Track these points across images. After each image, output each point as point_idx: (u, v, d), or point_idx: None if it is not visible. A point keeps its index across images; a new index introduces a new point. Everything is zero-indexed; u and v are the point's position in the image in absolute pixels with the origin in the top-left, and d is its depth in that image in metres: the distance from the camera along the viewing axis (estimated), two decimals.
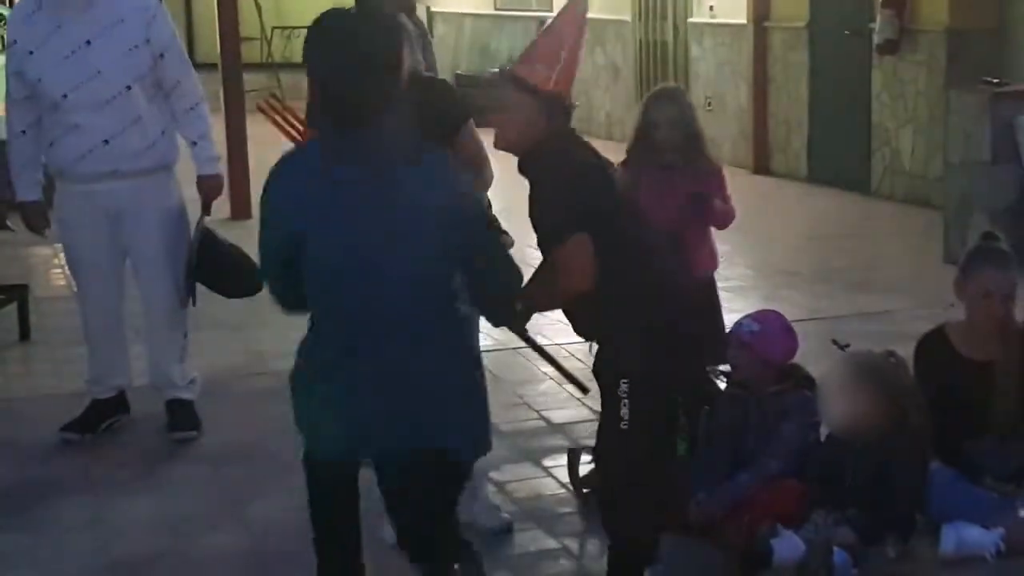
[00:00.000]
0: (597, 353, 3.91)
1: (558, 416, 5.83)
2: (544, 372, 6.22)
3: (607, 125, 14.25)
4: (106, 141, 5.19)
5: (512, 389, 6.13)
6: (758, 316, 4.67)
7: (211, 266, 5.40)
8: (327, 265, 3.21)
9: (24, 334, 7.15)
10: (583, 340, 3.96)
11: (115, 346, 5.57)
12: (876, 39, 10.32)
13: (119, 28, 5.17)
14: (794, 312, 7.35)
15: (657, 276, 3.84)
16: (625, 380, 3.79)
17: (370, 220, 3.17)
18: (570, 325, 3.95)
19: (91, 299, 5.50)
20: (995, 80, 8.34)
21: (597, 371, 3.93)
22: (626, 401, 3.79)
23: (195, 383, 5.67)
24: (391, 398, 3.27)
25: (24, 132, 5.35)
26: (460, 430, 3.37)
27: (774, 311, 4.83)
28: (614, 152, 12.19)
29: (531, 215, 3.74)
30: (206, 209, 5.51)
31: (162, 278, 5.42)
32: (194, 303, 5.52)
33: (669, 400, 3.96)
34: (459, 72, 16.06)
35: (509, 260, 3.48)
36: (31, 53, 5.21)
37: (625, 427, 3.81)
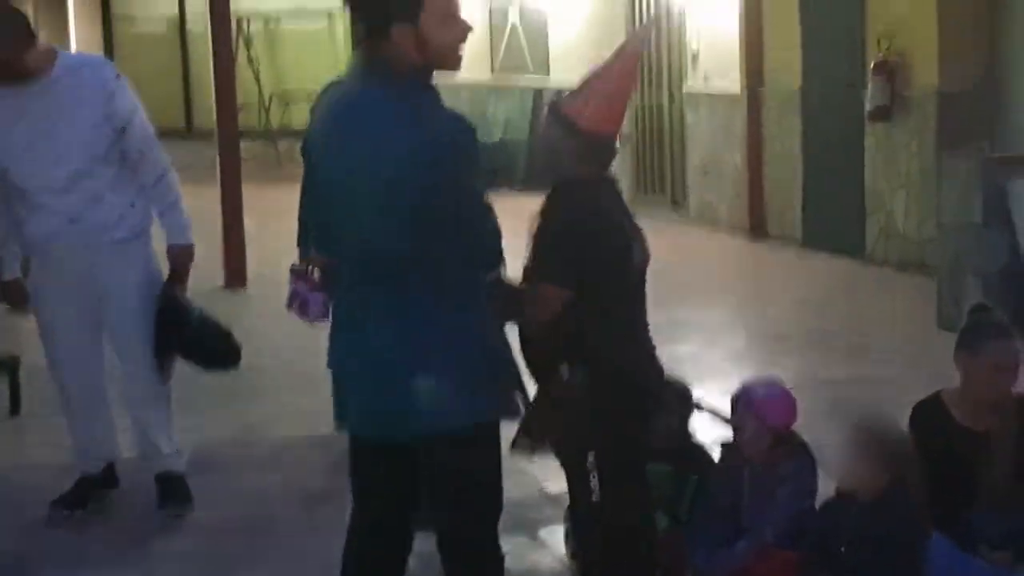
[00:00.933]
0: (550, 423, 3.88)
1: (554, 487, 5.79)
2: None
3: None
4: (72, 220, 5.20)
5: (506, 459, 6.08)
6: (767, 382, 4.67)
7: (178, 336, 5.36)
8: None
9: (15, 406, 7.12)
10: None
11: (96, 418, 5.52)
12: (868, 105, 10.37)
13: (79, 110, 5.16)
14: (788, 378, 7.31)
15: (638, 351, 3.85)
16: (592, 452, 3.77)
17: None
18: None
19: (66, 370, 5.45)
20: (986, 144, 8.38)
21: (556, 443, 3.91)
22: (594, 474, 3.77)
23: (183, 454, 5.62)
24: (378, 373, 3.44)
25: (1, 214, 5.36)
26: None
27: (777, 377, 4.83)
28: None
29: (538, 242, 3.79)
30: (178, 279, 5.47)
31: (140, 348, 5.36)
32: (165, 377, 5.46)
33: (641, 472, 3.95)
34: None
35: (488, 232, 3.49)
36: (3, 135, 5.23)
37: (597, 500, 3.79)
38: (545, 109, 3.94)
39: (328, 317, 5.52)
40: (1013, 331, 4.52)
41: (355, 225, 3.40)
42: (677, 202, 13.31)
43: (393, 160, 3.27)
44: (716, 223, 12.49)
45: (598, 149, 3.82)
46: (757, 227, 12.08)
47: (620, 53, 3.93)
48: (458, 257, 3.38)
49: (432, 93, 3.37)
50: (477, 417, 3.46)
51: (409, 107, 3.31)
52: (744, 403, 4.53)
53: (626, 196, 12.18)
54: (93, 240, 5.24)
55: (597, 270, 3.77)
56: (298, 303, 5.62)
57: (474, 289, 3.46)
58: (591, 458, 3.77)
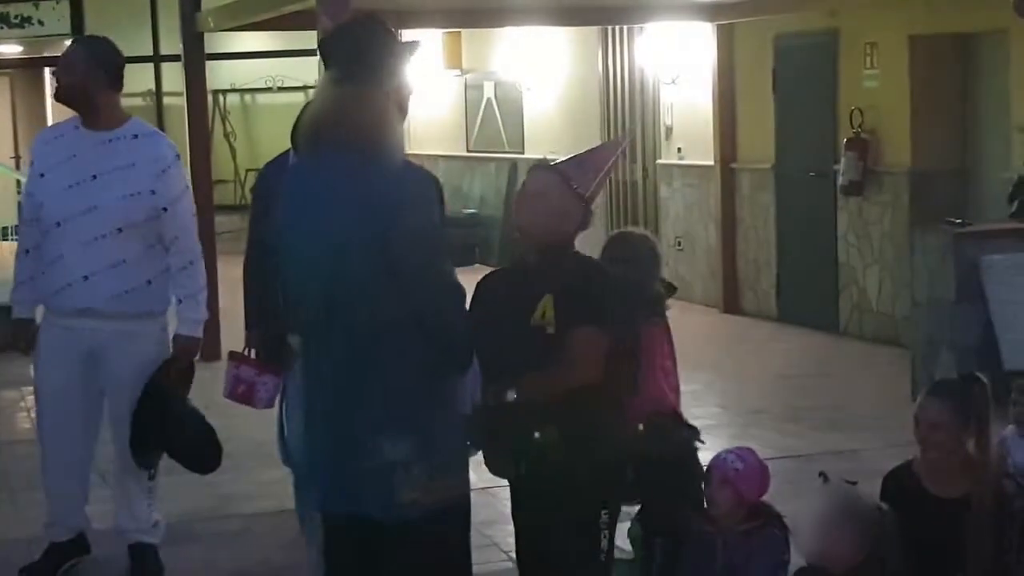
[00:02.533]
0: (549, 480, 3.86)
1: None
2: None
3: None
4: (85, 277, 5.20)
5: (480, 530, 6.06)
6: (740, 453, 4.66)
7: (159, 425, 5.29)
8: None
9: None
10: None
11: (75, 488, 5.49)
12: (841, 180, 10.47)
13: (128, 171, 5.22)
14: (763, 451, 7.31)
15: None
16: (606, 510, 3.79)
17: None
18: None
19: (52, 439, 5.43)
20: (958, 220, 8.45)
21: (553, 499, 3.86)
22: (607, 532, 3.79)
23: (159, 527, 5.59)
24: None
25: (28, 252, 5.41)
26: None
27: (751, 450, 4.82)
28: None
29: (564, 309, 3.82)
30: (176, 368, 5.38)
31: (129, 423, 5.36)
32: (148, 470, 5.42)
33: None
34: None
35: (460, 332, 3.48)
36: (42, 176, 5.30)
37: (604, 559, 3.80)
38: (542, 170, 4.07)
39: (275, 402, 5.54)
40: (959, 393, 4.55)
41: (322, 295, 3.41)
42: None
43: (351, 220, 3.33)
44: (690, 298, 12.51)
45: (588, 220, 4.03)
46: (731, 302, 12.12)
47: (606, 146, 4.21)
48: (429, 328, 3.38)
49: (396, 153, 3.47)
50: (447, 494, 3.44)
51: (371, 168, 3.39)
52: (718, 475, 4.52)
53: None
54: (96, 305, 5.21)
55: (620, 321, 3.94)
56: (243, 389, 5.54)
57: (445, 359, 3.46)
58: (604, 516, 3.87)
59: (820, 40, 10.87)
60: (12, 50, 18.66)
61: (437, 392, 3.46)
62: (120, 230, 5.19)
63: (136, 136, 5.30)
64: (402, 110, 3.58)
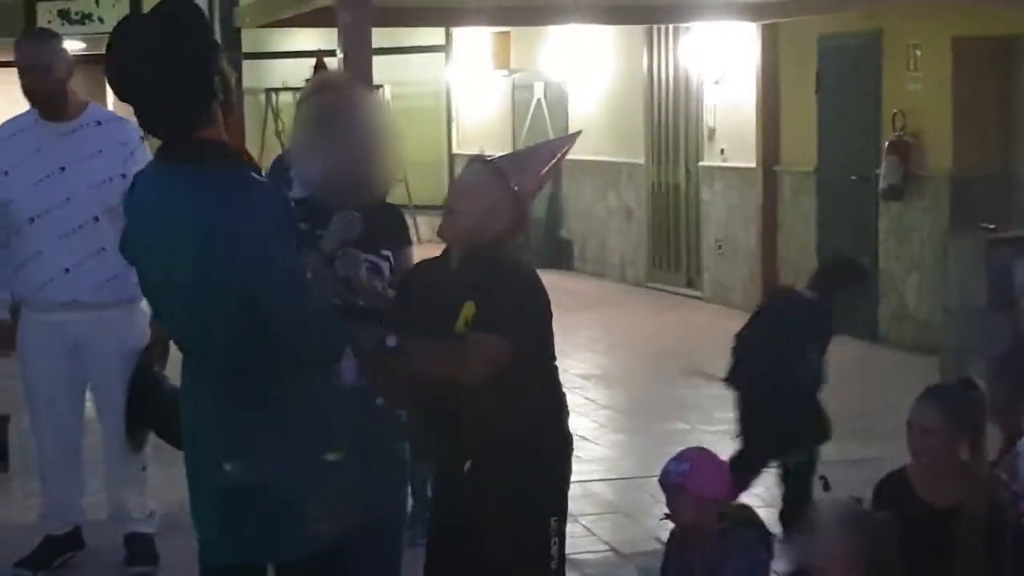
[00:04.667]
0: (488, 486, 3.69)
1: None
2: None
3: (621, 266, 14.23)
4: (67, 270, 5.17)
5: None
6: (683, 456, 4.48)
7: (149, 409, 5.26)
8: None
9: (3, 464, 7.09)
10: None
11: (70, 481, 5.48)
12: (881, 184, 10.29)
13: (96, 159, 5.18)
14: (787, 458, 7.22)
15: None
16: (556, 517, 3.67)
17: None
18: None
19: (46, 431, 5.42)
20: (991, 226, 8.26)
21: (490, 506, 3.69)
22: (556, 540, 3.66)
23: (154, 516, 5.57)
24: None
25: None
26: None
27: (700, 448, 4.65)
28: (625, 294, 11.93)
29: (484, 319, 3.62)
30: (156, 351, 5.36)
31: (121, 412, 5.32)
32: (134, 448, 5.38)
33: None
34: None
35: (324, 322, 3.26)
36: (6, 174, 5.23)
37: (555, 567, 3.69)
38: (476, 164, 3.84)
39: None
40: (948, 398, 4.43)
41: (176, 325, 3.25)
42: (692, 280, 13.21)
43: (192, 242, 3.07)
44: (730, 302, 12.38)
45: (527, 220, 3.81)
46: None
47: (552, 143, 4.05)
48: (284, 351, 3.14)
49: (242, 169, 3.18)
50: (310, 545, 3.22)
51: (213, 186, 3.10)
52: (668, 488, 4.35)
53: (641, 273, 12.20)
54: (80, 297, 5.20)
55: (538, 332, 3.70)
56: None
57: (311, 392, 3.22)
58: (554, 524, 3.69)
59: (863, 42, 10.70)
60: (74, 46, 18.81)
61: (300, 434, 3.20)
62: (97, 218, 5.16)
63: (99, 123, 5.25)
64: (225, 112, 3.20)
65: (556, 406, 3.80)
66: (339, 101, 3.89)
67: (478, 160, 3.82)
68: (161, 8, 3.11)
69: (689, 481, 4.32)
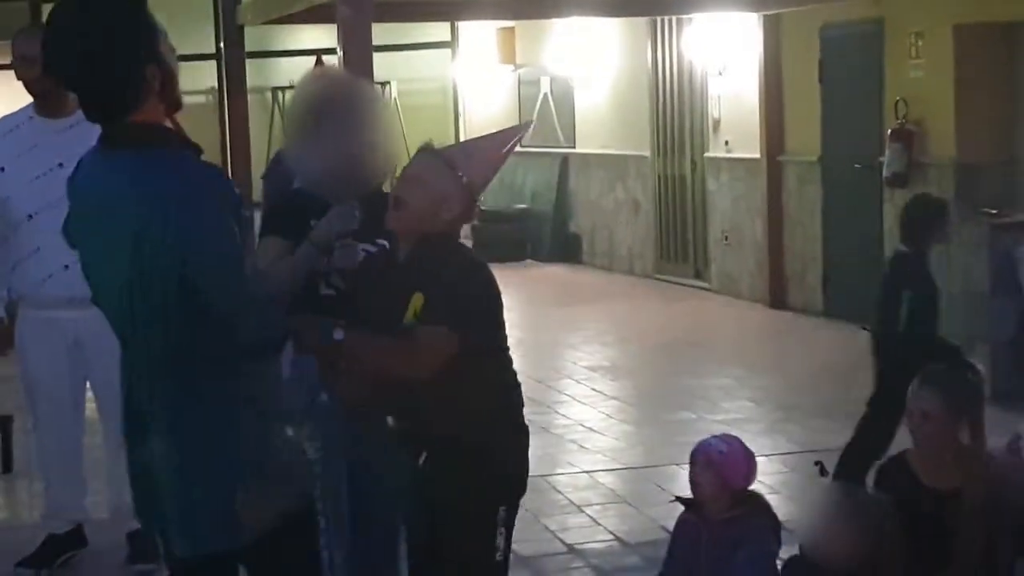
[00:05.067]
0: (442, 470, 3.64)
1: (571, 537, 5.72)
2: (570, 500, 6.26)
3: (629, 259, 14.23)
4: (66, 266, 5.17)
5: (539, 519, 6.06)
6: (725, 438, 4.56)
7: None
8: None
9: (7, 464, 7.11)
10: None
11: (72, 479, 5.49)
12: (885, 172, 10.27)
13: None
14: (787, 446, 7.26)
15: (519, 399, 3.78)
16: (504, 507, 3.65)
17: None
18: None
19: (48, 429, 5.43)
20: (993, 211, 8.25)
21: (439, 495, 3.63)
22: (503, 530, 3.64)
23: None
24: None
25: None
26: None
27: (740, 440, 4.71)
28: (633, 286, 11.92)
29: (431, 310, 3.56)
30: None
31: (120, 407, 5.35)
32: None
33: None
34: (483, 208, 16.09)
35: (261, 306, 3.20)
36: (2, 170, 5.24)
37: (501, 559, 3.68)
38: (424, 154, 3.76)
39: None
40: (946, 382, 4.43)
41: (113, 310, 3.21)
42: (700, 271, 13.21)
43: (126, 224, 3.05)
44: (737, 292, 12.38)
45: (473, 210, 3.75)
46: (778, 297, 11.94)
47: (505, 133, 3.96)
48: (218, 337, 3.08)
49: (178, 152, 3.13)
50: (198, 545, 3.17)
51: (147, 168, 3.08)
52: (702, 458, 4.42)
53: (649, 265, 12.18)
54: (80, 293, 5.20)
55: (487, 323, 3.66)
56: None
57: (234, 386, 3.15)
58: (502, 513, 3.65)
59: (866, 30, 10.68)
60: None
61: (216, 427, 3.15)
62: None
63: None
64: (166, 95, 3.15)
65: (508, 397, 3.74)
66: (332, 91, 3.89)
67: (426, 150, 3.75)
68: None
69: (723, 463, 4.37)
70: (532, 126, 4.00)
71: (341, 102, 3.86)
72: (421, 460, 3.65)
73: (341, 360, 3.47)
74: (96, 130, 5.22)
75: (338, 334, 3.43)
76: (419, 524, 3.66)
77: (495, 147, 3.85)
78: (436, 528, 3.63)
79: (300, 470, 3.27)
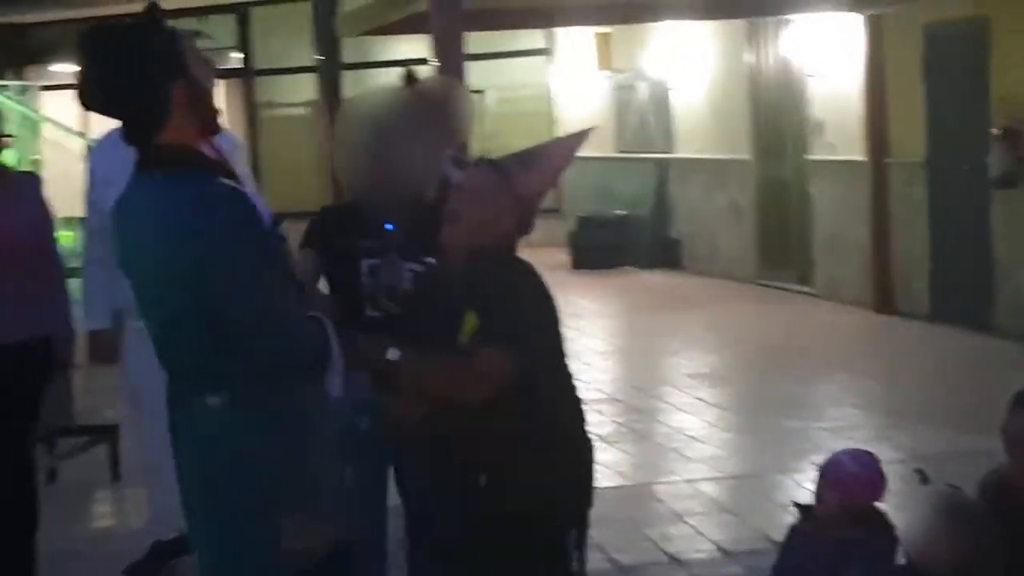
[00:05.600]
0: (502, 500, 3.53)
1: (625, 557, 5.65)
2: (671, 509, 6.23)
3: (730, 264, 14.09)
4: None
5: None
6: (859, 457, 4.43)
7: None
8: None
9: (114, 474, 7.21)
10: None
11: (176, 487, 5.52)
12: (992, 173, 10.06)
13: None
14: (893, 453, 7.11)
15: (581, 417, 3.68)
16: (576, 528, 3.55)
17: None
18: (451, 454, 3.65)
19: (153, 438, 5.47)
20: None
21: (505, 523, 3.52)
22: (577, 552, 3.54)
23: None
24: None
25: (96, 262, 5.42)
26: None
27: (872, 454, 4.58)
28: (735, 292, 11.78)
29: (486, 329, 3.47)
30: None
31: None
32: None
33: None
34: (581, 215, 16.09)
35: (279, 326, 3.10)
36: (108, 184, 5.30)
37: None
38: (477, 166, 3.66)
39: None
40: None
41: (154, 335, 3.16)
42: (803, 276, 13.04)
43: (154, 249, 3.03)
44: (842, 297, 12.20)
45: (530, 224, 3.64)
46: (884, 301, 11.74)
47: (562, 142, 3.84)
48: (255, 360, 3.03)
49: (205, 175, 3.10)
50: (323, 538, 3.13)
51: (175, 191, 3.06)
52: (831, 476, 4.30)
53: (750, 270, 12.00)
54: None
55: (543, 340, 3.54)
56: None
57: (277, 408, 3.08)
58: (574, 534, 3.56)
59: (969, 29, 10.46)
60: None
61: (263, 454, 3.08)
62: None
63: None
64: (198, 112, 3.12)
65: (570, 413, 3.63)
66: (382, 108, 3.89)
67: (481, 162, 3.66)
68: (122, 18, 3.15)
69: (853, 483, 4.26)
70: (591, 132, 3.89)
71: (391, 118, 3.89)
72: (481, 483, 3.54)
73: (396, 380, 3.41)
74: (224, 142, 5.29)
75: (393, 353, 3.36)
76: (474, 546, 3.60)
77: (553, 156, 3.73)
78: (501, 555, 3.53)
79: (345, 499, 3.20)
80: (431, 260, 3.85)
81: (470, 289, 3.50)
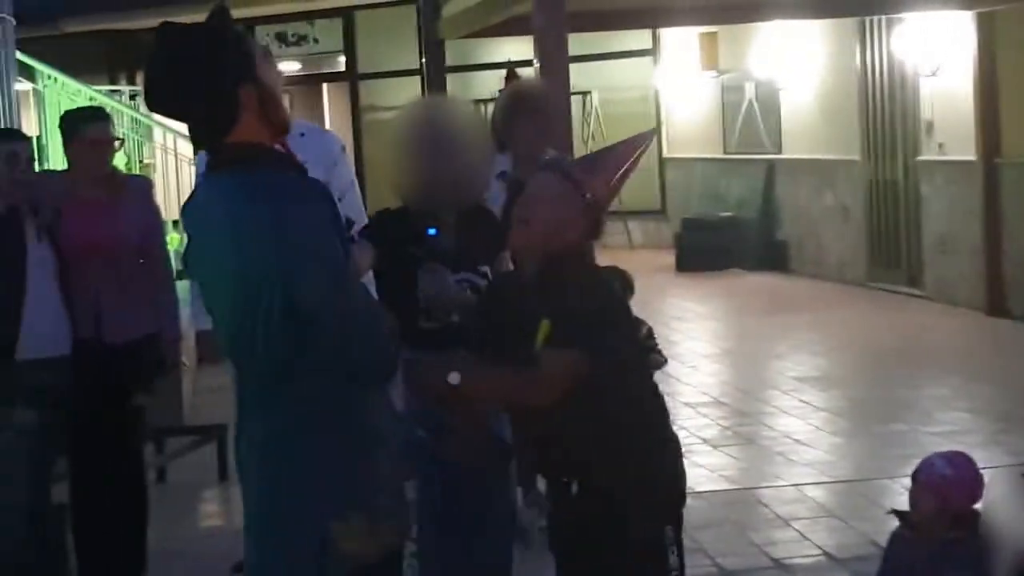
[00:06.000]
0: (596, 501, 3.54)
1: (730, 562, 5.59)
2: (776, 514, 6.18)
3: (838, 267, 13.90)
4: None
5: (689, 534, 5.90)
6: (952, 459, 4.35)
7: None
8: None
9: (222, 473, 7.29)
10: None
11: None
12: None
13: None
14: (1006, 458, 6.95)
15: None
16: (671, 526, 3.54)
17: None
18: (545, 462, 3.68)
19: None
20: None
21: (600, 526, 3.53)
22: (675, 548, 3.53)
23: None
24: None
25: None
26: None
27: (966, 455, 4.50)
28: (843, 295, 11.60)
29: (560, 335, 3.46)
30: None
31: None
32: None
33: None
34: (687, 216, 15.98)
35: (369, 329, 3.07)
36: None
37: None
38: (545, 170, 3.67)
39: None
40: None
41: (224, 336, 3.11)
42: (914, 279, 12.81)
43: (228, 246, 2.99)
44: (954, 300, 11.97)
45: (600, 226, 3.63)
46: (996, 305, 11.49)
47: (631, 142, 3.79)
48: (325, 360, 2.98)
49: (281, 172, 3.08)
50: (385, 540, 3.10)
51: (249, 189, 3.02)
52: (924, 479, 4.23)
53: (859, 272, 11.77)
54: None
55: (611, 341, 3.50)
56: None
57: (347, 415, 3.04)
58: (669, 532, 3.54)
59: None
60: (290, 67, 19.36)
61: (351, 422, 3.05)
62: None
63: (303, 134, 5.34)
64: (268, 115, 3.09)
65: (652, 411, 3.62)
66: (430, 116, 3.90)
67: (547, 165, 3.66)
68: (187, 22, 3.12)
69: (945, 486, 4.19)
70: (655, 133, 3.81)
71: (438, 126, 3.92)
72: (573, 490, 3.55)
73: (459, 404, 3.42)
74: (302, 145, 5.31)
75: (454, 378, 3.36)
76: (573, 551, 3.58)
77: (620, 158, 3.71)
78: (599, 560, 3.53)
79: (400, 508, 3.16)
80: (486, 269, 3.83)
81: (543, 296, 3.49)
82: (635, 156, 3.71)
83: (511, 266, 3.94)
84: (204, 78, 3.01)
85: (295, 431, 3.02)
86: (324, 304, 2.95)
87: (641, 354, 3.67)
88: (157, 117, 12.79)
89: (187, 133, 3.16)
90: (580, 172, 3.62)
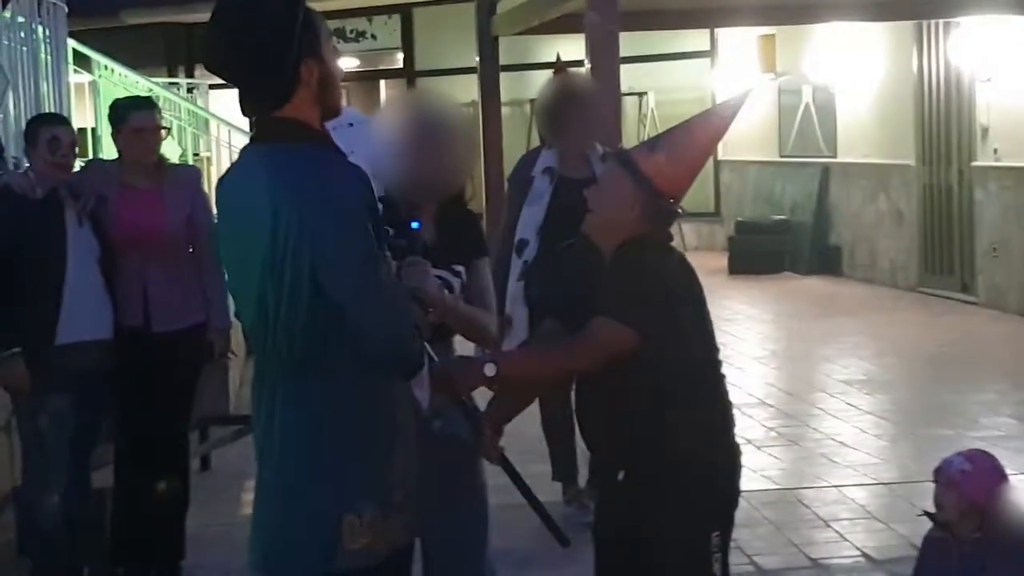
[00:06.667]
0: (639, 505, 3.51)
1: (769, 562, 5.58)
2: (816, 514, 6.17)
3: (891, 272, 13.82)
4: None
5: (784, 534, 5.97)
6: (970, 455, 4.34)
7: None
8: None
9: None
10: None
11: None
12: None
13: (350, 159, 5.33)
14: None
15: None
16: (717, 532, 3.51)
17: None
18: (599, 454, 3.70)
19: None
20: None
21: (646, 523, 3.49)
22: (719, 555, 3.49)
23: None
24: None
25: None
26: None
27: (987, 453, 4.48)
28: (895, 300, 11.54)
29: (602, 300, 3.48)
30: None
31: None
32: None
33: None
34: (740, 219, 15.92)
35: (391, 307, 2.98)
36: None
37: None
38: (607, 160, 3.69)
39: None
40: None
41: (247, 318, 3.04)
42: (967, 285, 12.72)
43: (260, 221, 2.92)
44: (1006, 307, 11.87)
45: (668, 211, 3.58)
46: None
47: (708, 117, 3.72)
48: (351, 346, 2.91)
49: (321, 149, 3.03)
50: (397, 536, 3.02)
51: (286, 164, 2.96)
52: (944, 478, 4.22)
53: (912, 277, 11.69)
54: None
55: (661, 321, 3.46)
56: None
57: (368, 406, 2.98)
58: (715, 539, 3.51)
59: None
60: (349, 63, 19.44)
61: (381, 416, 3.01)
62: None
63: (352, 124, 5.37)
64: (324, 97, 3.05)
65: (716, 415, 3.58)
66: (414, 112, 3.94)
67: (611, 154, 3.64)
68: None
69: (966, 482, 4.16)
70: (747, 96, 3.61)
71: (421, 115, 3.95)
72: (619, 477, 3.55)
73: (501, 392, 3.45)
74: (350, 135, 5.34)
75: (491, 369, 3.37)
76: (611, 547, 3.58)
77: (689, 136, 3.61)
78: (637, 556, 3.51)
79: (413, 504, 3.09)
80: (459, 268, 3.79)
81: (607, 279, 3.51)
82: (714, 130, 3.62)
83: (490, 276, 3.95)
84: (271, 40, 2.94)
85: (315, 420, 2.95)
86: (350, 286, 2.89)
87: (714, 352, 3.62)
88: (213, 109, 12.92)
89: (239, 104, 3.06)
90: (640, 158, 3.57)
